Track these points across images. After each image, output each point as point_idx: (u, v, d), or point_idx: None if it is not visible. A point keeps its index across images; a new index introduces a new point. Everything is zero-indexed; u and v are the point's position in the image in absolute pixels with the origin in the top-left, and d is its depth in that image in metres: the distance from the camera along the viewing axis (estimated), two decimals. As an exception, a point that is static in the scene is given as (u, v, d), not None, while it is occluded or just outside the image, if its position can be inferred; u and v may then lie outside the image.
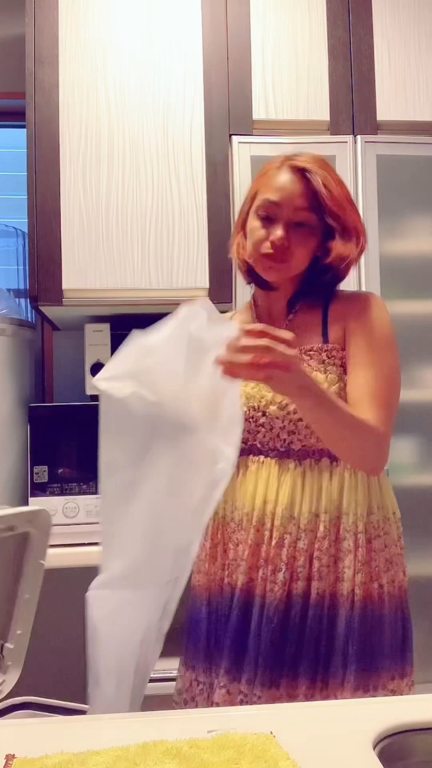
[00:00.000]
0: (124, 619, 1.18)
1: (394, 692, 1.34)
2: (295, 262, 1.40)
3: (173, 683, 1.46)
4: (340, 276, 1.46)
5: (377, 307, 1.42)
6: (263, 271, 1.41)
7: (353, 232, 1.41)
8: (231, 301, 2.27)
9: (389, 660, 1.35)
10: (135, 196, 2.29)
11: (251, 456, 1.40)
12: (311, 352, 1.39)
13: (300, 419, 1.35)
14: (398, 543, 1.42)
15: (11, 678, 1.48)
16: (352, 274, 2.28)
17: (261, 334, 1.12)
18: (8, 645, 1.50)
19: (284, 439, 1.37)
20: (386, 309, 1.43)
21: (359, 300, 1.44)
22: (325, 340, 1.40)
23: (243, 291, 2.26)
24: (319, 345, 1.40)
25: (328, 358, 1.38)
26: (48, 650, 1.51)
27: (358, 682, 1.29)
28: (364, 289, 2.28)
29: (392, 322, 1.42)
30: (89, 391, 2.35)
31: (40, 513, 1.45)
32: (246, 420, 1.38)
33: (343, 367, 1.38)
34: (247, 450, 1.39)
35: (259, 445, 1.39)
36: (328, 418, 1.27)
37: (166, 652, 1.35)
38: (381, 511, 1.39)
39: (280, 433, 1.37)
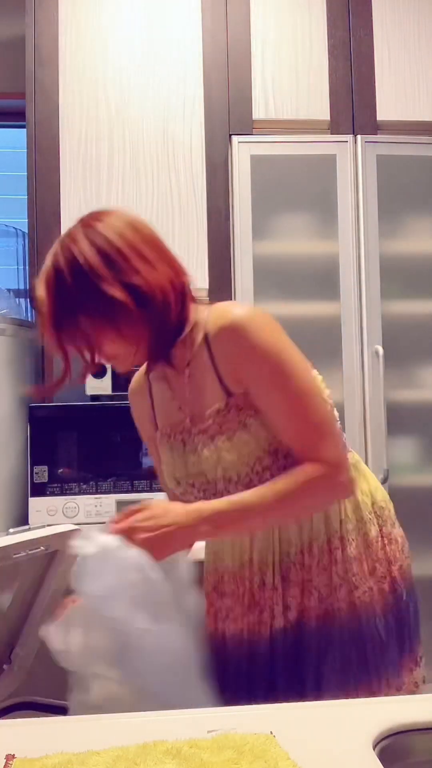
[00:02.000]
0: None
1: (416, 684, 1.34)
2: (122, 358, 1.27)
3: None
4: (179, 319, 1.26)
5: (248, 331, 1.21)
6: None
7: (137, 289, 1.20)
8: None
9: (396, 656, 1.34)
10: (135, 196, 2.29)
11: None
12: (217, 418, 1.25)
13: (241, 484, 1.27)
14: (378, 542, 1.35)
15: (14, 681, 1.48)
16: (353, 274, 2.30)
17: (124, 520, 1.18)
18: (17, 650, 1.51)
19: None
20: (260, 322, 1.22)
21: (227, 332, 1.23)
22: (227, 391, 1.24)
23: (243, 291, 2.26)
24: (223, 404, 1.24)
25: (238, 412, 1.24)
26: (47, 650, 1.51)
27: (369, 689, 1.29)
28: (364, 289, 2.28)
29: (274, 331, 1.23)
30: (89, 392, 2.34)
31: (73, 533, 1.47)
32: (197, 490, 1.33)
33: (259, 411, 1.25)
34: None
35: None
36: (258, 518, 1.22)
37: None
38: (330, 527, 1.31)
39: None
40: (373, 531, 1.35)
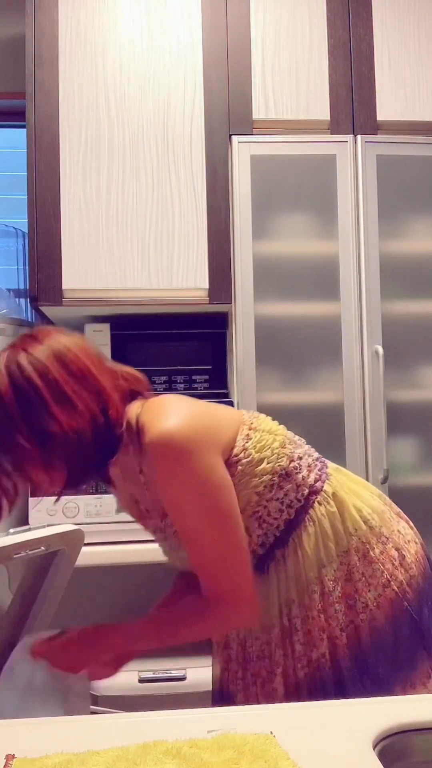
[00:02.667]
0: None
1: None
2: (43, 485, 1.27)
3: (173, 683, 1.47)
4: (103, 447, 1.24)
5: (155, 457, 1.20)
6: None
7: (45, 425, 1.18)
8: (230, 302, 2.27)
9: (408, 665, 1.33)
10: (135, 196, 2.29)
11: None
12: (158, 534, 1.32)
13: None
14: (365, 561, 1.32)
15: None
16: (353, 274, 2.30)
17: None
18: None
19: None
20: (170, 449, 1.19)
21: (146, 453, 1.22)
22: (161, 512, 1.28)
23: (243, 291, 2.26)
24: (160, 523, 1.30)
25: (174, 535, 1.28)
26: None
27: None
28: (364, 289, 2.28)
29: (183, 459, 1.19)
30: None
31: (74, 533, 1.48)
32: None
33: None
34: None
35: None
36: (156, 639, 1.32)
37: (167, 652, 1.36)
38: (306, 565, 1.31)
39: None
40: (354, 561, 1.31)
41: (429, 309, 2.34)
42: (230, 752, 0.84)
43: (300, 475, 1.31)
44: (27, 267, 2.68)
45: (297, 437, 1.39)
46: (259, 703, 1.30)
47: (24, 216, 2.32)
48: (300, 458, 1.33)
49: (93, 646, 1.31)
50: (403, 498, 2.24)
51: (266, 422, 1.35)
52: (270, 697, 1.29)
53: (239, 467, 1.27)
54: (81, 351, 1.24)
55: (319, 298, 2.31)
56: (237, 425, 1.30)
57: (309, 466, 1.33)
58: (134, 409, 1.27)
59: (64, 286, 2.25)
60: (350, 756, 0.85)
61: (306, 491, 1.31)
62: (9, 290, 2.68)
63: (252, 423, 1.32)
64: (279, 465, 1.29)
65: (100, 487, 2.22)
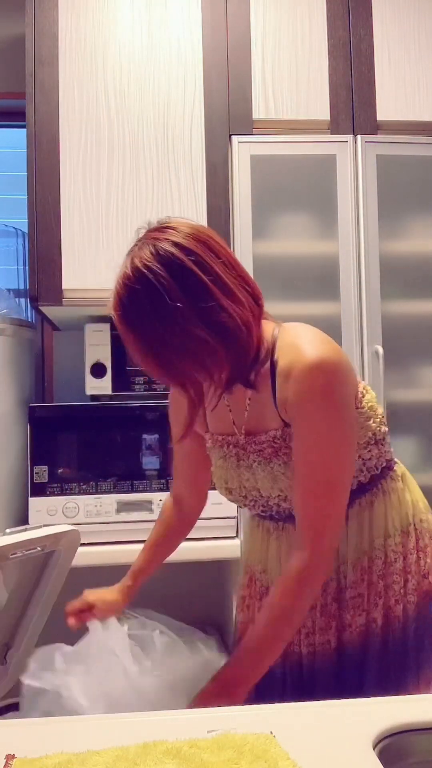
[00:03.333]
0: None
1: None
2: (209, 386, 1.24)
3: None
4: (258, 347, 1.23)
5: (313, 382, 1.19)
6: None
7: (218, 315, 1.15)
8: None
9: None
10: (135, 196, 2.29)
11: (267, 521, 1.40)
12: (274, 443, 1.26)
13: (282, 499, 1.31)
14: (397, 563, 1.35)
15: (10, 681, 1.49)
16: (353, 274, 2.30)
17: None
18: (13, 651, 1.51)
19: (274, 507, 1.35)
20: (330, 376, 1.20)
21: (295, 372, 1.21)
22: (284, 420, 1.25)
23: (243, 291, 2.26)
24: (279, 432, 1.25)
25: (283, 443, 1.26)
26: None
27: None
28: (364, 289, 2.28)
29: (341, 386, 1.21)
30: (89, 391, 2.34)
31: (69, 533, 1.48)
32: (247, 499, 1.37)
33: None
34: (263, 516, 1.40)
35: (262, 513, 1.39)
36: (269, 656, 1.21)
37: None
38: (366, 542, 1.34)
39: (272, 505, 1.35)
40: (411, 544, 1.36)
41: (429, 309, 2.34)
42: (230, 752, 0.84)
43: (385, 448, 1.37)
44: (27, 267, 2.68)
45: None
46: (305, 654, 1.32)
47: (24, 216, 2.32)
48: (388, 435, 1.38)
49: (225, 698, 1.17)
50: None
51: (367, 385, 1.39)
52: (323, 648, 1.31)
53: (358, 416, 1.29)
54: (220, 239, 1.22)
55: (319, 298, 2.31)
56: (354, 371, 1.33)
57: (390, 444, 1.40)
58: (269, 326, 1.27)
59: (64, 286, 2.25)
60: (350, 756, 0.85)
61: (384, 464, 1.37)
62: (9, 290, 2.68)
63: (363, 384, 1.36)
64: (380, 430, 1.34)
65: (100, 487, 2.22)
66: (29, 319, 2.61)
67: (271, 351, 1.24)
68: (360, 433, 1.30)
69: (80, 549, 1.57)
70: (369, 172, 2.32)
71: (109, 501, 2.20)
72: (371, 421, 1.32)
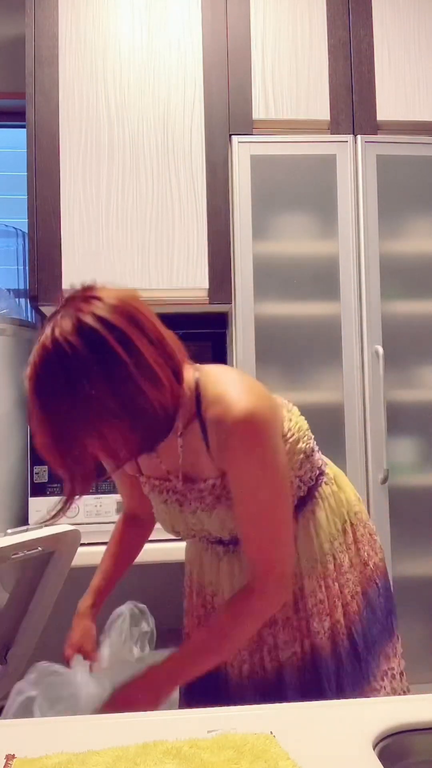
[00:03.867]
0: None
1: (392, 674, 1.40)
2: (117, 457, 1.17)
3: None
4: (174, 414, 1.18)
5: (240, 435, 1.18)
6: None
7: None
8: (230, 302, 2.27)
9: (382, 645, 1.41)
10: (135, 196, 2.29)
11: (211, 544, 1.40)
12: (213, 491, 1.26)
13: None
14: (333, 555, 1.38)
15: (10, 681, 1.48)
16: (353, 274, 2.30)
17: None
18: (13, 650, 1.51)
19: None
20: (256, 428, 1.18)
21: (223, 426, 1.19)
22: (220, 469, 1.25)
23: (243, 291, 2.26)
24: (219, 480, 1.25)
25: (223, 490, 1.25)
26: (45, 648, 1.52)
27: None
28: (364, 289, 2.28)
29: (267, 437, 1.21)
30: (89, 391, 2.34)
31: (70, 533, 1.48)
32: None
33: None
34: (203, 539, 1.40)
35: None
36: (202, 667, 1.24)
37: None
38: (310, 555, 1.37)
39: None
40: (350, 538, 1.42)
41: (429, 309, 2.34)
42: (230, 752, 0.84)
43: (315, 458, 1.39)
44: (27, 267, 2.68)
45: None
46: (270, 669, 1.35)
47: (24, 216, 2.32)
48: (314, 444, 1.41)
49: (148, 693, 1.21)
50: (403, 498, 2.25)
51: (294, 409, 1.39)
52: (290, 662, 1.34)
53: (287, 445, 1.30)
54: (147, 309, 1.16)
55: (319, 298, 2.31)
56: (279, 405, 1.34)
57: (318, 450, 1.43)
58: (189, 373, 1.23)
59: (64, 286, 2.25)
60: (350, 756, 0.85)
61: (317, 471, 1.39)
62: (9, 290, 2.68)
63: (284, 403, 1.37)
64: (308, 446, 1.36)
65: (100, 487, 2.22)
66: (29, 319, 2.61)
67: (196, 402, 1.22)
68: (294, 459, 1.32)
69: (80, 549, 1.57)
70: (369, 172, 2.32)
71: (109, 501, 2.19)
72: (300, 443, 1.33)
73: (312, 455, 1.38)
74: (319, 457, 1.42)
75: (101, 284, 1.17)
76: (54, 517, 1.20)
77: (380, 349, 2.24)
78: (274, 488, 1.22)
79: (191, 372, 1.24)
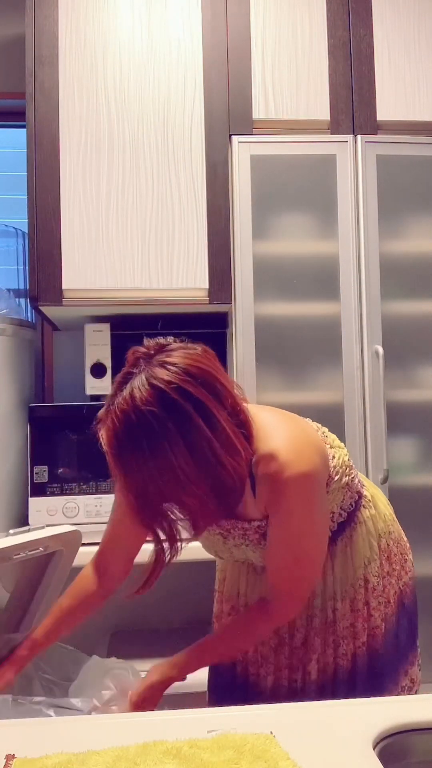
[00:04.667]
0: None
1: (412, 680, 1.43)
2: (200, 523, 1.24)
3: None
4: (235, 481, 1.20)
5: (289, 492, 1.22)
6: None
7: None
8: (230, 302, 2.27)
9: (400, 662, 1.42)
10: (135, 196, 2.29)
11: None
12: (259, 530, 1.30)
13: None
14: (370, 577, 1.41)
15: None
16: (353, 274, 2.30)
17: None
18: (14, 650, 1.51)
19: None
20: (302, 488, 1.23)
21: (272, 481, 1.23)
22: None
23: (243, 291, 2.26)
24: (264, 522, 1.28)
25: (267, 528, 1.29)
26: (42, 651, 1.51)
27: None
28: (364, 289, 2.28)
29: (312, 495, 1.25)
30: (89, 391, 2.34)
31: (71, 534, 1.49)
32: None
33: None
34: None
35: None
36: (214, 655, 1.35)
37: (165, 653, 1.36)
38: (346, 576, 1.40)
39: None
40: (383, 560, 1.42)
41: (429, 309, 2.34)
42: (230, 752, 0.84)
43: (355, 480, 1.40)
44: (27, 267, 2.68)
45: None
46: (287, 686, 1.38)
47: (24, 216, 2.32)
48: (353, 466, 1.41)
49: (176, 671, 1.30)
50: (403, 498, 2.25)
51: (332, 436, 1.40)
52: (303, 681, 1.38)
53: (332, 486, 1.32)
54: (219, 371, 1.20)
55: (319, 298, 2.31)
56: (325, 448, 1.33)
57: (356, 472, 1.43)
58: None
59: (64, 286, 2.25)
60: (350, 756, 0.85)
61: (357, 496, 1.40)
62: (9, 290, 2.68)
63: (327, 438, 1.37)
64: (350, 477, 1.37)
65: (100, 487, 2.22)
66: (29, 319, 2.61)
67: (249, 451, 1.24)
68: (338, 495, 1.34)
69: (81, 549, 1.57)
70: (369, 172, 2.32)
71: (109, 501, 2.19)
72: (344, 478, 1.35)
73: (352, 482, 1.38)
74: (358, 481, 1.42)
75: (169, 342, 1.20)
76: (146, 586, 1.28)
77: (380, 349, 2.24)
78: (314, 534, 1.27)
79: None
